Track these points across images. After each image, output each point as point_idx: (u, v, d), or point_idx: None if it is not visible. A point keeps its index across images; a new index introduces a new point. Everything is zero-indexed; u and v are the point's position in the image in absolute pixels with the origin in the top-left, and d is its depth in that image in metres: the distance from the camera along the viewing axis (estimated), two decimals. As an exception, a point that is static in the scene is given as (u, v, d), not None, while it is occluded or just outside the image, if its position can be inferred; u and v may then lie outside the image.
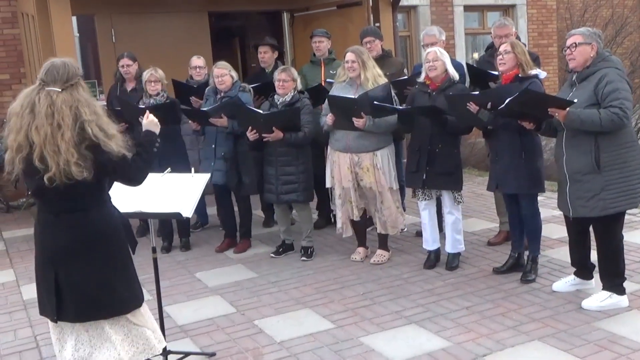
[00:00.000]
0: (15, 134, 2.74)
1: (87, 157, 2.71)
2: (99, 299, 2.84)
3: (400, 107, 5.03)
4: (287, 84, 5.39)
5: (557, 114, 4.00)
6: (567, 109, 3.95)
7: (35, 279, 2.96)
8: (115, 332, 2.90)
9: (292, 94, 5.41)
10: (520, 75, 4.54)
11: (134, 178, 2.96)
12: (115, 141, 2.77)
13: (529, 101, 4.17)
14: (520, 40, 5.51)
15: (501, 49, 4.64)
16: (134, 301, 2.97)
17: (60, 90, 2.73)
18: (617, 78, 3.93)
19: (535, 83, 4.51)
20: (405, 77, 5.83)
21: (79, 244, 2.80)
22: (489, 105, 4.46)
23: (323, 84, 6.15)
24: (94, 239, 2.83)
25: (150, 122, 3.22)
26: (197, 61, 6.55)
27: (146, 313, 3.04)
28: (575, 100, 3.97)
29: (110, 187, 2.96)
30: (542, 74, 4.78)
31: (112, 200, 2.97)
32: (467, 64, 6.00)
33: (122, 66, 6.40)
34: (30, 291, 5.12)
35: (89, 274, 2.82)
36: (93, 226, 2.83)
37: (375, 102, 4.86)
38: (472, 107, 4.53)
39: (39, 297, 2.96)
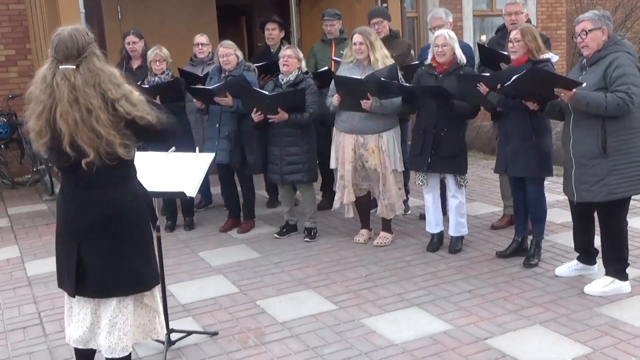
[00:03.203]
0: (36, 119, 2.69)
1: (130, 135, 2.70)
2: (120, 275, 2.83)
3: (407, 85, 4.99)
4: (291, 60, 5.35)
5: (562, 95, 3.98)
6: (574, 89, 3.92)
7: (56, 252, 2.95)
8: (126, 313, 2.88)
9: (297, 73, 5.38)
10: (531, 59, 4.50)
11: (171, 136, 2.98)
12: (143, 107, 2.74)
13: (535, 80, 4.14)
14: (530, 23, 5.47)
15: (511, 36, 4.60)
16: (153, 279, 2.97)
17: (75, 67, 2.66)
18: (628, 63, 3.88)
19: (547, 67, 4.48)
20: (416, 62, 5.77)
21: (106, 218, 2.79)
22: (499, 87, 4.43)
23: (332, 62, 6.12)
24: (121, 215, 2.81)
25: None
26: (200, 38, 6.51)
27: (158, 295, 3.05)
28: (584, 84, 3.93)
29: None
30: (554, 58, 4.74)
31: (137, 175, 2.95)
32: (479, 44, 5.94)
33: (129, 43, 6.36)
34: (34, 267, 5.16)
35: (113, 249, 2.81)
36: (121, 201, 2.82)
37: (382, 79, 4.83)
38: (482, 88, 4.50)
39: (58, 270, 2.94)
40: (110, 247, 2.81)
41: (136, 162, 2.95)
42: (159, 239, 3.69)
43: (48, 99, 2.66)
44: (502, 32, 5.58)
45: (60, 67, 2.67)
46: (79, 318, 2.93)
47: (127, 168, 2.85)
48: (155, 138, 2.97)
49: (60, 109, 2.63)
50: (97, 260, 2.81)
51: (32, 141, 2.80)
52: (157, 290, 3.02)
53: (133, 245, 2.86)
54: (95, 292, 2.86)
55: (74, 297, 2.89)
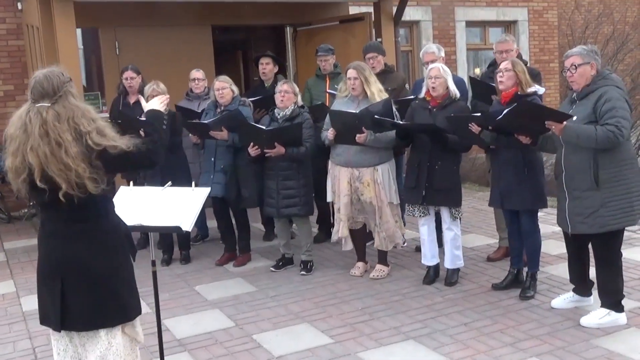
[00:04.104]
0: (11, 157, 2.74)
1: (100, 167, 2.72)
2: (107, 307, 2.84)
3: (401, 122, 5.05)
4: (288, 95, 5.42)
5: (553, 127, 4.03)
6: (564, 122, 3.97)
7: (38, 289, 2.94)
8: (115, 344, 2.87)
9: (293, 108, 5.44)
10: (519, 93, 4.57)
11: (151, 162, 2.95)
12: (115, 138, 2.77)
13: (526, 113, 4.19)
14: (521, 57, 5.55)
15: (501, 66, 4.67)
16: (137, 308, 2.98)
17: (49, 105, 2.72)
18: (617, 96, 3.95)
19: (535, 100, 4.54)
20: (411, 97, 5.83)
21: (89, 251, 2.81)
22: (490, 127, 4.48)
23: (327, 96, 6.19)
24: (103, 247, 2.84)
25: (153, 101, 3.22)
26: (197, 74, 6.58)
27: (138, 324, 3.05)
28: (574, 117, 3.99)
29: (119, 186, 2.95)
30: (541, 90, 4.81)
31: (115, 208, 2.97)
32: (470, 77, 6.01)
33: (126, 79, 6.44)
34: (30, 303, 5.13)
35: (98, 281, 2.82)
36: (103, 234, 2.85)
37: (376, 117, 4.89)
38: (474, 128, 4.54)
39: (41, 307, 2.94)
40: (96, 279, 2.82)
41: (132, 197, 2.97)
42: (154, 273, 3.70)
43: (22, 135, 2.71)
44: (494, 67, 5.65)
45: (36, 105, 2.74)
46: (66, 355, 2.92)
47: (106, 202, 2.88)
48: (133, 164, 2.92)
49: (30, 142, 2.68)
50: (83, 293, 2.81)
51: (11, 181, 2.79)
52: (137, 320, 3.02)
53: (117, 277, 2.88)
54: (83, 325, 2.86)
55: (59, 331, 2.88)
